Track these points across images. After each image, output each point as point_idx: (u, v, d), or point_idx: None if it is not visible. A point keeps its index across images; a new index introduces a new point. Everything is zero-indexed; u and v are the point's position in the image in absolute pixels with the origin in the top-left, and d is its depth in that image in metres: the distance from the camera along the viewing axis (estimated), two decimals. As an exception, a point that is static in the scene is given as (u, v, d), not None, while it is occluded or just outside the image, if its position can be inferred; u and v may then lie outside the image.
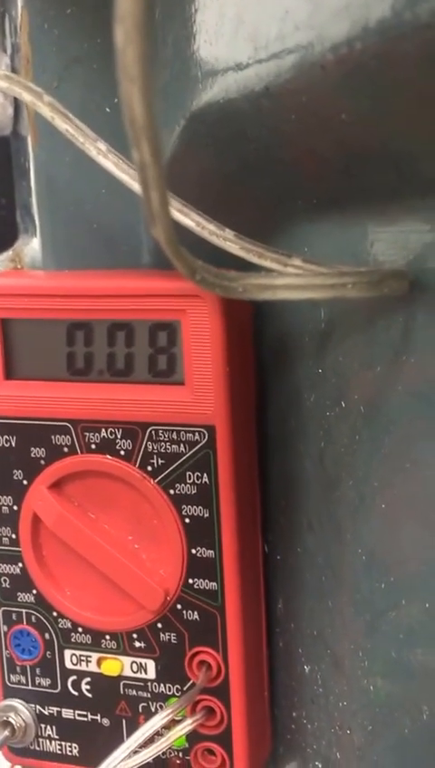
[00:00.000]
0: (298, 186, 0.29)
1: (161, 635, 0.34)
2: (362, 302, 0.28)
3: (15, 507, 0.35)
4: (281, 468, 0.34)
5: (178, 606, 0.34)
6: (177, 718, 0.34)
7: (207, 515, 0.32)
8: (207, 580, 0.33)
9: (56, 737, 0.37)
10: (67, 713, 0.36)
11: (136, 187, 0.30)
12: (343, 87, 0.24)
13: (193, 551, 0.33)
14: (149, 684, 0.35)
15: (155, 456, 0.33)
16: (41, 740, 0.37)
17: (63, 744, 0.37)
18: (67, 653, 0.36)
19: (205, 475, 0.32)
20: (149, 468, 0.33)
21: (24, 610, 0.36)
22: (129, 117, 0.19)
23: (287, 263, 0.27)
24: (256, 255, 0.28)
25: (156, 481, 0.33)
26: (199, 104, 0.29)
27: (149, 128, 0.19)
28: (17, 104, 0.40)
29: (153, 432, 0.33)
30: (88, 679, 0.36)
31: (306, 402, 0.32)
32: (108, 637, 0.35)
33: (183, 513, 0.33)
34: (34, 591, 0.36)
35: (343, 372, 0.29)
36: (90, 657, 0.36)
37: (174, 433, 0.32)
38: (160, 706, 0.35)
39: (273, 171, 0.29)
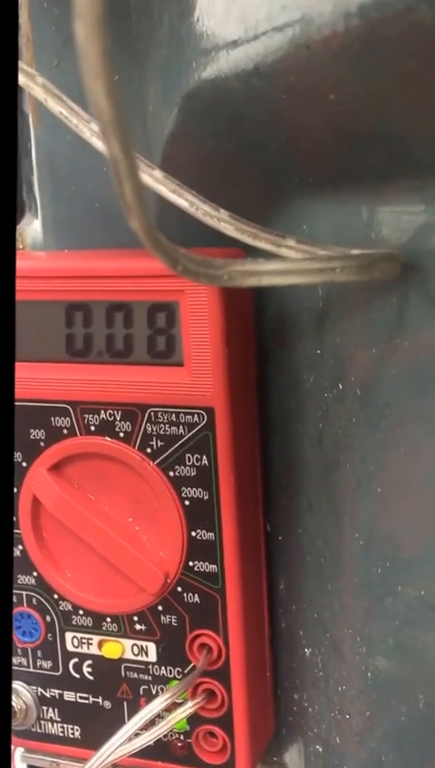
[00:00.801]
0: (294, 164, 0.29)
1: (162, 617, 0.34)
2: (358, 283, 0.28)
3: (15, 489, 0.35)
4: (281, 449, 0.34)
5: (179, 588, 0.33)
6: (178, 701, 0.34)
7: (206, 497, 0.32)
8: (207, 563, 0.33)
9: (58, 719, 0.37)
10: (69, 695, 0.36)
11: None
12: (329, 68, 0.24)
13: (193, 533, 0.33)
14: (150, 666, 0.35)
15: (154, 438, 0.32)
16: (43, 722, 0.37)
17: (65, 726, 0.37)
18: (68, 635, 0.36)
19: (204, 456, 0.32)
20: (149, 450, 0.33)
21: (24, 593, 0.36)
22: (96, 113, 0.19)
23: (281, 243, 0.27)
24: (250, 236, 0.27)
25: (155, 463, 0.33)
26: (194, 84, 0.29)
27: (115, 122, 0.19)
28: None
29: (152, 414, 0.32)
30: (89, 662, 0.36)
31: (305, 383, 0.31)
32: (109, 619, 0.35)
33: (183, 495, 0.33)
34: (35, 574, 0.36)
35: (340, 353, 0.29)
36: (91, 639, 0.35)
37: (173, 415, 0.32)
38: (161, 689, 0.35)
39: (269, 150, 0.29)
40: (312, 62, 0.24)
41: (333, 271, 0.25)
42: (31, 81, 0.31)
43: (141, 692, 0.35)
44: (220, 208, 0.28)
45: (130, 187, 0.20)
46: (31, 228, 0.40)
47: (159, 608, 0.34)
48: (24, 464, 0.35)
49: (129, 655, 0.35)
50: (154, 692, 0.35)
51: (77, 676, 0.36)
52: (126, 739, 0.33)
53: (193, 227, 0.35)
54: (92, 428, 0.33)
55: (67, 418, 0.34)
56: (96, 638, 0.35)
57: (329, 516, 0.31)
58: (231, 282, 0.26)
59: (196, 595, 0.33)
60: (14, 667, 0.37)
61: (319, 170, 0.28)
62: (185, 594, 0.33)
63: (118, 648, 0.35)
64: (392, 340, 0.28)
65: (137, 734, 0.33)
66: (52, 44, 0.36)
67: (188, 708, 0.34)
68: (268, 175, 0.30)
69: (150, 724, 0.33)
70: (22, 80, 0.31)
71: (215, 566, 0.33)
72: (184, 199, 0.28)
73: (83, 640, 0.36)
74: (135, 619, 0.35)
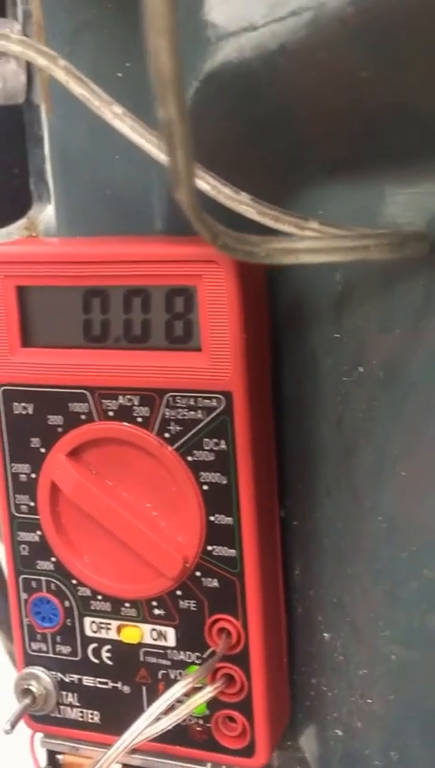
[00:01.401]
0: (313, 148, 0.29)
1: (181, 602, 0.34)
2: (380, 265, 0.28)
3: (33, 475, 0.35)
4: (298, 434, 0.34)
5: (197, 573, 0.33)
6: (197, 686, 0.34)
7: (225, 482, 0.32)
8: (225, 547, 0.33)
9: (77, 705, 0.37)
10: (88, 680, 0.37)
11: (153, 150, 0.29)
12: (363, 41, 0.24)
13: (211, 518, 0.33)
14: (168, 651, 0.35)
15: (172, 423, 0.33)
16: (62, 707, 0.37)
17: (84, 711, 0.37)
18: (87, 621, 0.36)
19: (222, 441, 0.32)
20: (167, 435, 0.33)
21: (43, 578, 0.36)
22: (155, 71, 0.18)
23: (304, 226, 0.27)
24: (272, 219, 0.27)
25: (173, 448, 0.33)
26: (213, 66, 0.29)
27: (176, 82, 0.18)
28: (30, 72, 0.39)
29: (170, 398, 0.32)
30: (108, 647, 0.36)
31: (323, 367, 0.31)
32: (127, 604, 0.35)
33: (201, 479, 0.33)
34: (53, 559, 0.36)
35: (361, 337, 0.29)
36: (109, 624, 0.36)
37: (191, 399, 0.32)
38: (180, 674, 0.35)
39: (287, 133, 0.29)
40: (344, 37, 0.24)
41: (366, 249, 0.25)
42: (52, 64, 0.31)
43: (160, 677, 0.35)
44: (241, 191, 0.28)
45: (182, 154, 0.20)
46: (44, 215, 0.40)
47: (178, 592, 0.34)
48: (43, 450, 0.35)
49: (147, 640, 0.35)
50: (173, 677, 0.35)
51: (96, 661, 0.36)
52: (147, 724, 0.33)
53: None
54: (110, 414, 0.33)
55: (85, 404, 0.34)
56: (115, 623, 0.35)
57: (349, 500, 0.31)
58: (268, 259, 0.25)
59: (214, 579, 0.33)
60: (33, 653, 0.37)
61: (340, 152, 0.28)
62: (203, 579, 0.33)
63: (136, 632, 0.35)
64: (419, 321, 0.28)
65: (157, 719, 0.33)
66: (64, 31, 0.35)
67: (207, 693, 0.34)
68: (283, 161, 0.30)
69: (170, 708, 0.33)
70: (43, 62, 0.31)
71: (233, 550, 0.33)
72: (205, 182, 0.28)
73: (102, 625, 0.36)
74: (154, 603, 0.35)
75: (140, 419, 0.33)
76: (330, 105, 0.27)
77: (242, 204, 0.28)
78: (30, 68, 0.39)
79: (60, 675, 0.37)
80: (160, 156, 0.29)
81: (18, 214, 0.42)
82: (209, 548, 0.33)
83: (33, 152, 0.42)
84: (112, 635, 0.36)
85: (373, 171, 0.27)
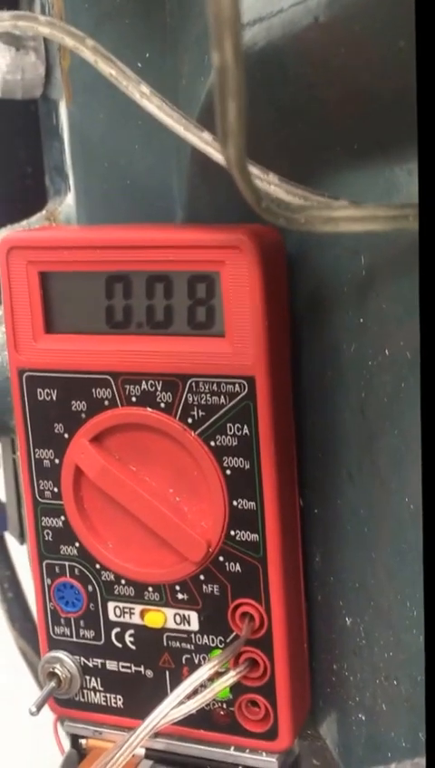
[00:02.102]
0: (340, 129, 0.28)
1: (204, 587, 0.34)
2: (406, 246, 0.27)
3: (57, 461, 0.35)
4: (317, 421, 0.34)
5: (221, 558, 0.34)
6: (220, 670, 0.34)
7: (248, 467, 0.32)
8: (248, 532, 0.33)
9: (101, 689, 0.37)
10: (111, 664, 0.37)
11: (179, 129, 0.29)
12: (400, 10, 0.23)
13: (234, 502, 0.33)
14: (192, 635, 0.35)
15: (195, 408, 0.33)
16: (85, 691, 0.37)
17: (108, 695, 0.37)
18: (110, 605, 0.36)
19: (245, 426, 0.32)
20: (190, 420, 0.33)
21: (66, 563, 0.36)
22: (213, 10, 0.17)
23: (334, 205, 0.27)
24: (301, 199, 0.27)
25: (196, 433, 0.33)
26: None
27: (234, 23, 0.17)
28: (48, 65, 0.39)
29: (193, 384, 0.32)
30: (131, 631, 0.36)
31: (346, 353, 0.31)
32: (151, 589, 0.35)
33: (224, 464, 0.33)
34: (77, 544, 0.36)
35: (386, 320, 0.29)
36: (133, 609, 0.36)
37: (214, 384, 0.32)
38: (204, 658, 0.35)
39: (314, 115, 0.29)
40: (381, 6, 0.23)
41: (405, 218, 0.25)
42: (81, 44, 0.31)
43: (184, 661, 0.35)
44: (269, 171, 0.27)
45: (235, 106, 0.18)
46: (64, 205, 0.40)
47: (201, 577, 0.34)
48: (66, 435, 0.35)
49: (171, 624, 0.35)
50: (196, 661, 0.35)
51: (119, 645, 0.36)
52: (172, 708, 0.33)
53: (223, 205, 0.35)
54: (133, 399, 0.34)
55: (108, 390, 0.34)
56: (138, 608, 0.36)
57: (373, 484, 0.31)
58: (307, 226, 0.25)
59: (237, 564, 0.33)
60: (57, 637, 0.37)
61: (367, 133, 0.28)
62: (227, 563, 0.34)
63: (160, 617, 0.35)
64: None
65: (181, 703, 0.33)
66: (85, 22, 0.36)
67: (231, 677, 0.34)
68: (306, 145, 0.30)
69: (193, 692, 0.33)
70: (71, 43, 0.31)
71: (256, 535, 0.33)
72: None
73: (125, 610, 0.36)
74: (177, 588, 0.35)
75: (163, 405, 0.33)
76: (362, 82, 0.26)
77: (271, 184, 0.27)
78: (48, 60, 0.39)
79: (83, 659, 0.37)
80: (187, 135, 0.29)
81: (33, 211, 0.42)
82: (232, 533, 0.33)
83: (49, 145, 0.42)
84: (136, 619, 0.36)
85: (400, 152, 0.27)
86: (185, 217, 0.38)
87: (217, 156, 0.28)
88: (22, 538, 0.49)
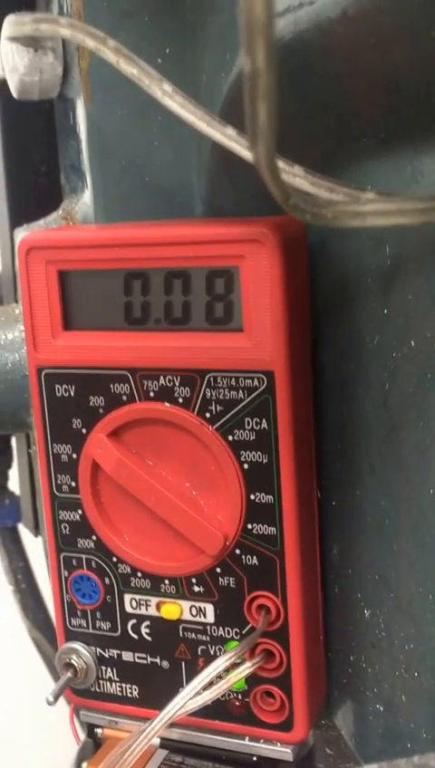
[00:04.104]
0: (366, 120, 0.28)
1: (220, 579, 0.35)
2: (432, 237, 0.27)
3: (75, 456, 0.36)
4: (337, 413, 0.34)
5: (237, 551, 0.34)
6: (236, 661, 0.34)
7: (265, 461, 0.33)
8: (265, 525, 0.33)
9: (117, 679, 0.38)
10: (127, 655, 0.37)
11: (203, 126, 0.29)
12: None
13: (252, 496, 0.33)
14: (208, 627, 0.35)
15: (213, 403, 0.33)
16: (101, 682, 0.38)
17: (124, 685, 0.38)
18: (127, 597, 0.37)
19: (263, 420, 0.32)
20: (208, 415, 0.33)
21: (84, 556, 0.37)
22: (246, 15, 0.17)
23: (361, 197, 0.27)
24: (326, 190, 0.27)
25: (214, 427, 0.33)
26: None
27: (268, 28, 0.17)
28: (65, 65, 0.40)
29: (211, 379, 0.33)
30: (148, 623, 0.36)
31: (369, 345, 0.31)
32: (167, 581, 0.36)
33: (242, 458, 0.33)
34: (94, 537, 0.36)
35: (411, 311, 0.29)
36: (149, 601, 0.36)
37: (232, 379, 0.32)
38: (219, 650, 0.35)
39: (339, 106, 0.28)
40: None
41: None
42: (102, 45, 0.31)
43: (199, 652, 0.36)
44: (294, 164, 0.27)
45: (266, 106, 0.19)
46: (81, 204, 0.40)
47: (218, 570, 0.35)
48: (84, 431, 0.35)
49: (187, 616, 0.36)
50: (212, 652, 0.36)
51: (135, 636, 0.37)
52: (190, 696, 0.33)
53: (242, 197, 0.36)
54: (151, 394, 0.34)
55: (126, 385, 0.34)
56: (154, 600, 0.36)
57: (395, 476, 0.31)
58: (335, 221, 0.25)
59: (254, 557, 0.34)
60: (73, 628, 0.38)
61: (393, 123, 0.27)
62: (243, 556, 0.34)
63: (176, 609, 0.36)
64: None
65: (197, 694, 0.34)
66: (104, 20, 0.36)
67: (247, 668, 0.34)
68: (330, 137, 0.30)
69: (209, 683, 0.34)
70: (92, 44, 0.31)
71: (274, 528, 0.33)
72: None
73: (142, 602, 0.36)
74: (193, 580, 0.35)
75: (181, 400, 0.33)
76: (390, 73, 0.26)
77: (296, 176, 0.27)
78: (65, 59, 0.39)
79: (99, 650, 0.38)
80: (211, 131, 0.29)
81: (47, 209, 0.42)
82: (249, 526, 0.34)
83: (64, 144, 0.42)
84: (152, 611, 0.36)
85: (428, 140, 0.27)
86: (205, 211, 0.38)
87: (242, 152, 0.28)
88: (36, 530, 0.49)
